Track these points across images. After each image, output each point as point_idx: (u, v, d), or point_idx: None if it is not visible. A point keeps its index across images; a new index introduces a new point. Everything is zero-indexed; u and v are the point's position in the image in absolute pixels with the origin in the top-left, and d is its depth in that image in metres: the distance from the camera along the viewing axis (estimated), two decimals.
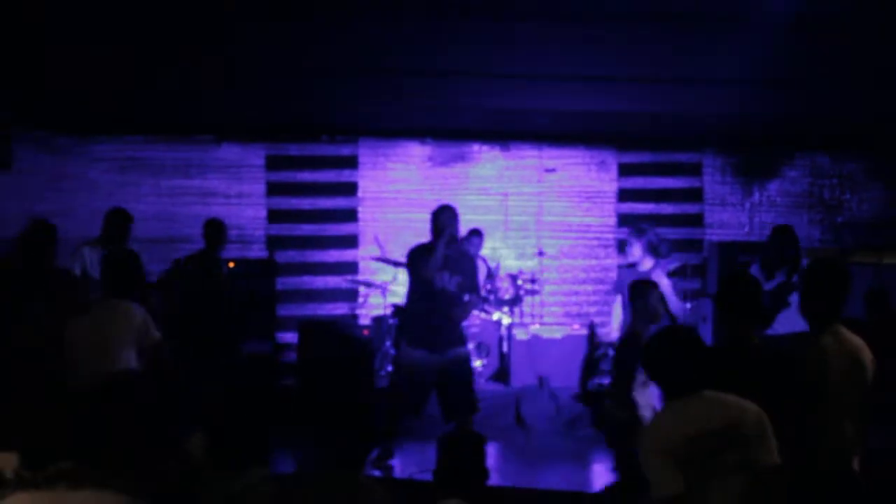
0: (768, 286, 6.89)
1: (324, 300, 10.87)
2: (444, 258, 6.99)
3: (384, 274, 10.36)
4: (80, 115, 9.89)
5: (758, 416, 3.74)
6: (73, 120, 10.14)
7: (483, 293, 9.59)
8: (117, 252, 6.20)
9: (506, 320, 9.59)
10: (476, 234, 9.83)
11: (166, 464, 2.75)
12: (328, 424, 3.38)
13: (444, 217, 7.08)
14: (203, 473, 3.08)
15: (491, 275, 9.73)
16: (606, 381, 8.23)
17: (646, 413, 5.67)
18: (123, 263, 5.74)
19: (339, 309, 10.85)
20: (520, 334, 9.37)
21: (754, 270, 7.08)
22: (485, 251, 10.44)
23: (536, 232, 11.01)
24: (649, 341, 4.00)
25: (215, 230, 8.65)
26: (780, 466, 3.70)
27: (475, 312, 9.34)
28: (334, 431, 3.38)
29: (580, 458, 7.94)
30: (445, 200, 10.32)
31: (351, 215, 10.93)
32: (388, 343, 9.45)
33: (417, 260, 7.08)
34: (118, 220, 7.76)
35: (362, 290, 10.78)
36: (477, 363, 9.31)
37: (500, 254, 10.84)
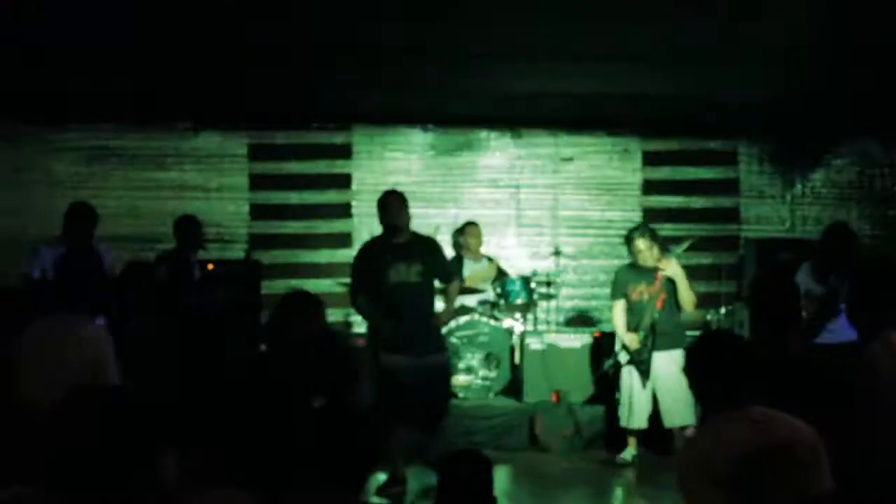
0: (819, 290, 6.69)
1: None
2: (395, 247, 6.89)
3: None
4: (44, 100, 9.74)
5: (813, 439, 3.52)
6: (35, 106, 9.99)
7: (492, 297, 9.44)
8: (75, 253, 5.94)
9: (518, 328, 9.41)
10: (471, 225, 9.73)
11: (137, 484, 2.62)
12: (315, 440, 3.29)
13: (381, 206, 6.99)
14: (176, 495, 3.00)
15: (501, 275, 9.54)
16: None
17: None
18: (80, 267, 5.22)
19: (332, 315, 10.66)
20: (534, 343, 9.18)
21: (803, 273, 6.88)
22: (494, 250, 10.26)
23: (552, 229, 10.82)
24: (689, 349, 3.84)
25: (190, 228, 8.46)
26: (834, 493, 3.51)
27: (484, 318, 9.19)
28: (323, 448, 3.27)
29: (601, 483, 7.77)
30: (448, 192, 10.36)
31: (344, 210, 10.77)
32: None
33: (365, 258, 7.04)
34: (81, 217, 7.35)
35: None
36: (487, 375, 9.13)
37: (511, 253, 10.65)
